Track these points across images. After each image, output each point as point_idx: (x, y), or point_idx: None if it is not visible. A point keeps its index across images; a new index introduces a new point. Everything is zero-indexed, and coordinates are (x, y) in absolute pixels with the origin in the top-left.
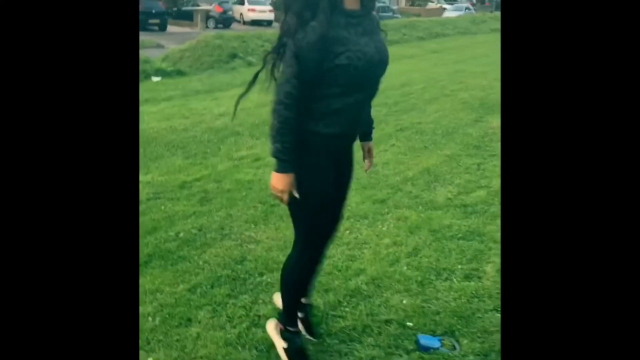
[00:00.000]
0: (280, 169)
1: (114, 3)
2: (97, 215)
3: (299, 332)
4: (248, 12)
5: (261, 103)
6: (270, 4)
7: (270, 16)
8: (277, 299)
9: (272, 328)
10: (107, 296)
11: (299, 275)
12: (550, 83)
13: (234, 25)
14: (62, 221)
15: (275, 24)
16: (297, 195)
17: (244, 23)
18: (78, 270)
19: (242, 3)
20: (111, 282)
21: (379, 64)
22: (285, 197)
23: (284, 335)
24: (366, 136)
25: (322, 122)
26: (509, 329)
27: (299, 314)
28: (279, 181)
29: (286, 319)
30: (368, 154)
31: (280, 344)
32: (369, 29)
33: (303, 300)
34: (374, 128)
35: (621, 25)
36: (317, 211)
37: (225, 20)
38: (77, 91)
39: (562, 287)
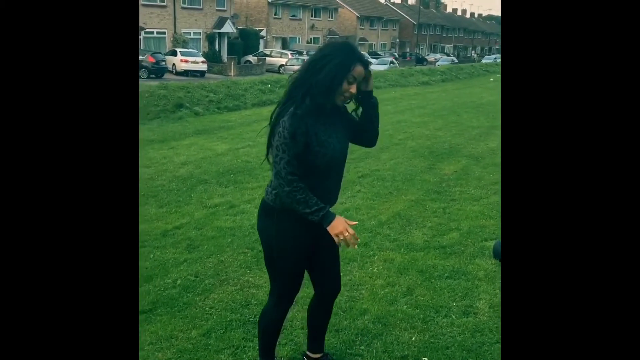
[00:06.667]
0: (328, 222)
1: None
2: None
3: None
4: (180, 62)
5: (222, 152)
6: (202, 55)
7: (203, 67)
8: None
9: None
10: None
11: (276, 323)
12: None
13: (166, 75)
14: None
15: (209, 75)
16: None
17: (177, 73)
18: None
19: (175, 54)
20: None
21: (341, 153)
22: (350, 231)
23: None
24: None
25: None
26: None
27: None
28: (335, 228)
29: (264, 357)
30: None
31: None
32: (336, 121)
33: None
34: None
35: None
36: (292, 272)
37: (157, 71)
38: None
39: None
